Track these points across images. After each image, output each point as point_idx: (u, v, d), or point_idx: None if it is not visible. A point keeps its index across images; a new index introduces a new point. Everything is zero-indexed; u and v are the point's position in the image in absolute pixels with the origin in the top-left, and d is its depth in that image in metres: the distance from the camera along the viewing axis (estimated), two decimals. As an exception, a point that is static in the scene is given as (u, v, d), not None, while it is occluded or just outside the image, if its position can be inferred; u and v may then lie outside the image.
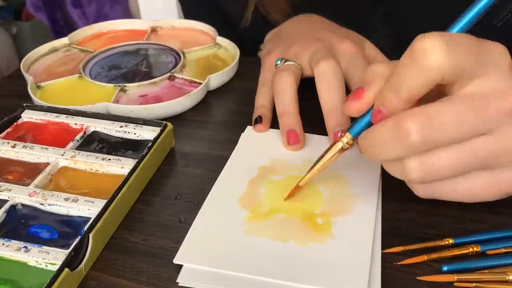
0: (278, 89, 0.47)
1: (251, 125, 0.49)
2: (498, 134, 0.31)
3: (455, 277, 0.32)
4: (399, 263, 0.34)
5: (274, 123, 0.48)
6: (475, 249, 0.34)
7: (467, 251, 0.34)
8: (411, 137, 0.30)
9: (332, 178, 0.42)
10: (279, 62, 0.50)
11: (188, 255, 0.35)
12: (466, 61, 0.30)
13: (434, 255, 0.34)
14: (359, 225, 0.37)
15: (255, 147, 0.46)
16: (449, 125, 0.30)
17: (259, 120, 0.48)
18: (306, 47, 0.50)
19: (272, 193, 0.41)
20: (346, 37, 0.51)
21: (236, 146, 0.46)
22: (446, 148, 0.31)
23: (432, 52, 0.29)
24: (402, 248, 0.35)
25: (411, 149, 0.31)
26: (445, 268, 0.33)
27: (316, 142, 0.46)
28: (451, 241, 0.35)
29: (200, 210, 0.39)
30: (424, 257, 0.34)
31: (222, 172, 0.43)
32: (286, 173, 0.43)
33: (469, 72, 0.31)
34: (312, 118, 0.47)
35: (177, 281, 0.34)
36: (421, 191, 0.34)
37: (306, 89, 0.49)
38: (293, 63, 0.49)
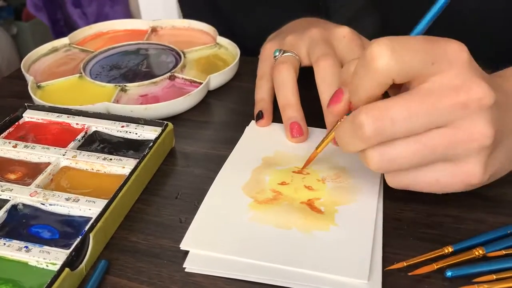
0: (278, 82, 0.48)
1: (255, 119, 0.49)
2: (453, 126, 0.33)
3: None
4: (410, 273, 0.34)
5: (277, 115, 0.49)
6: (480, 252, 0.34)
7: (473, 255, 0.34)
8: (364, 129, 0.33)
9: (334, 169, 0.43)
10: (277, 54, 0.50)
11: (194, 240, 0.36)
12: (414, 61, 0.32)
13: (442, 263, 0.34)
14: (361, 213, 0.38)
15: (259, 139, 0.47)
16: (400, 119, 0.32)
17: (260, 115, 0.49)
18: (301, 35, 0.50)
19: (276, 182, 0.41)
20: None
21: (241, 138, 0.47)
22: (403, 140, 0.33)
23: (378, 57, 0.32)
24: (405, 263, 0.34)
25: (366, 141, 0.33)
26: (449, 274, 0.33)
27: (318, 135, 0.47)
28: (450, 249, 0.35)
29: (206, 197, 0.40)
30: (433, 266, 0.34)
31: (226, 161, 0.44)
32: (289, 164, 0.43)
33: (421, 71, 0.33)
34: (313, 111, 0.47)
35: (183, 266, 0.35)
36: (391, 182, 0.36)
37: (306, 78, 0.49)
38: (291, 54, 0.49)
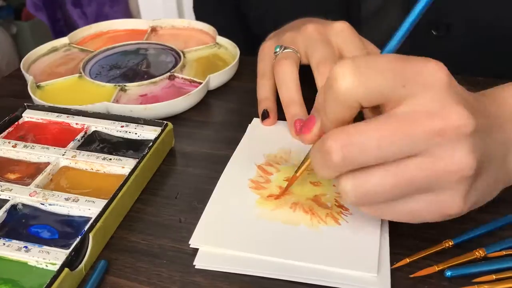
0: (280, 78, 0.48)
1: (258, 117, 0.50)
2: (430, 156, 0.30)
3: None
4: (412, 275, 0.34)
5: (280, 114, 0.49)
6: (481, 253, 0.34)
7: (474, 256, 0.34)
8: (332, 155, 0.30)
9: None
10: (278, 50, 0.50)
11: (203, 238, 0.37)
12: (381, 83, 0.30)
13: (443, 265, 0.34)
14: None
15: (262, 137, 0.47)
16: (370, 146, 0.30)
17: (266, 114, 0.49)
18: (298, 32, 0.50)
19: (282, 178, 0.42)
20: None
21: (244, 136, 0.47)
22: (378, 172, 0.31)
23: (341, 78, 0.30)
24: (408, 260, 0.34)
25: (335, 168, 0.31)
26: (448, 273, 0.33)
27: None
28: (450, 243, 0.35)
29: (212, 195, 0.40)
30: (435, 268, 0.34)
31: (231, 158, 0.44)
32: (293, 161, 0.44)
33: (391, 94, 0.30)
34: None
35: (193, 263, 0.35)
36: (366, 211, 0.33)
37: (306, 75, 0.49)
38: (292, 50, 0.49)
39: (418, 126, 0.30)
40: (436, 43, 0.60)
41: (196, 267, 0.35)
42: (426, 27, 0.60)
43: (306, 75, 0.49)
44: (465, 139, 0.30)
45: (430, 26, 0.60)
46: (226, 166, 0.43)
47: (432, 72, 0.30)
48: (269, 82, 0.50)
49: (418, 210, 0.32)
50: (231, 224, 0.38)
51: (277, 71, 0.48)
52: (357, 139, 0.30)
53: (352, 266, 0.34)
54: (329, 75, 0.31)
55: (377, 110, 0.33)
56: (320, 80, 0.46)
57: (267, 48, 0.53)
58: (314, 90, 0.46)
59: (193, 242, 0.36)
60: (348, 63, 0.30)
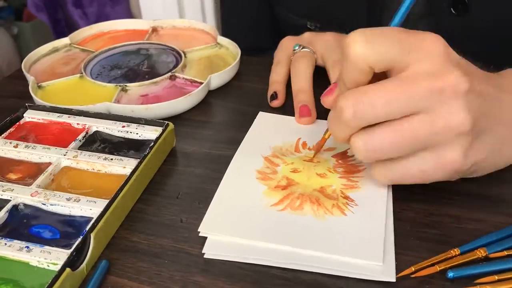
0: (295, 71, 0.52)
1: (262, 111, 0.51)
2: (431, 113, 0.34)
3: None
4: (413, 275, 0.34)
5: (287, 108, 0.50)
6: (482, 253, 0.34)
7: (475, 256, 0.34)
8: (344, 112, 0.34)
9: (344, 157, 0.44)
10: (297, 48, 0.54)
11: (212, 225, 0.37)
12: (390, 50, 0.34)
13: (444, 265, 0.34)
14: (372, 200, 0.39)
15: (268, 130, 0.48)
16: (379, 103, 0.33)
17: (275, 96, 0.52)
18: (317, 35, 0.55)
19: (288, 169, 0.43)
20: None
21: (250, 129, 0.48)
22: (385, 128, 0.34)
23: (352, 45, 0.34)
24: (413, 268, 0.34)
25: (347, 124, 0.35)
26: (451, 274, 0.33)
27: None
28: (457, 251, 0.35)
29: (220, 185, 0.41)
30: (436, 268, 0.34)
31: (237, 150, 0.45)
32: (299, 153, 0.45)
33: (398, 59, 0.34)
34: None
35: (202, 251, 0.36)
36: (379, 176, 0.37)
37: (320, 78, 0.52)
38: (309, 50, 0.54)
39: (420, 85, 0.33)
40: (456, 22, 0.62)
41: (205, 256, 0.36)
42: (446, 7, 0.62)
43: (320, 76, 0.52)
44: (462, 97, 0.33)
45: (450, 5, 0.62)
46: (233, 157, 0.44)
47: (432, 42, 0.34)
48: (282, 68, 0.54)
49: (425, 168, 0.35)
50: (239, 213, 0.38)
51: (293, 66, 0.53)
52: (366, 97, 0.34)
53: (358, 254, 0.35)
54: (343, 43, 0.35)
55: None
56: (333, 78, 0.50)
57: (286, 41, 0.57)
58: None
59: (202, 230, 0.37)
60: (359, 30, 0.34)
